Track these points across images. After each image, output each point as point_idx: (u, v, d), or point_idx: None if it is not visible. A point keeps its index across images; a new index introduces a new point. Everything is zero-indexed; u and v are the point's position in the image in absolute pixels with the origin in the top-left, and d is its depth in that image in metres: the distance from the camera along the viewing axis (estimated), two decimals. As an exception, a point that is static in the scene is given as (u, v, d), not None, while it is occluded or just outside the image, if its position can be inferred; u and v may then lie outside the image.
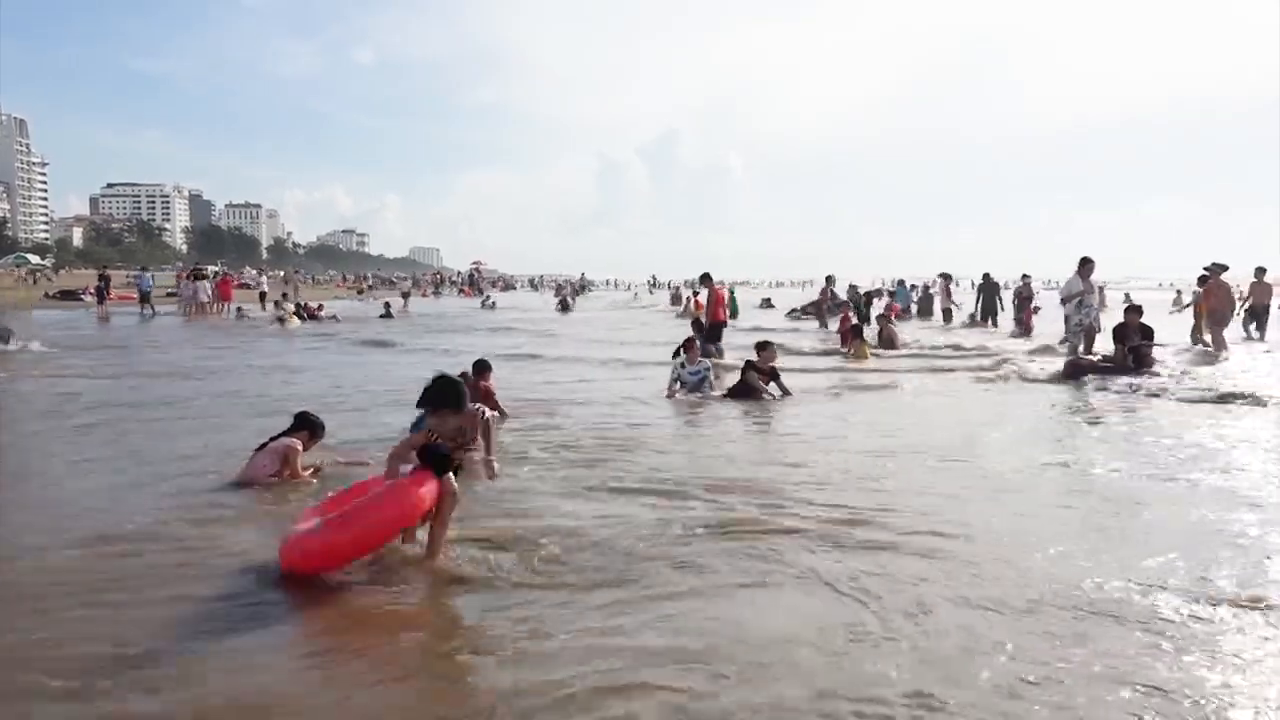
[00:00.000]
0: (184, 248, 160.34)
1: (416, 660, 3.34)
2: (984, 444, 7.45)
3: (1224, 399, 9.52)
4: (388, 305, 32.45)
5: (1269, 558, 4.32)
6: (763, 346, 10.53)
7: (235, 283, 41.28)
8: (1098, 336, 14.47)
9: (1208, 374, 12.12)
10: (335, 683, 3.15)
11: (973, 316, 25.18)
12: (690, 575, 4.11)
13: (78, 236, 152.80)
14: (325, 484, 5.80)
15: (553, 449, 7.08)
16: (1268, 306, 18.42)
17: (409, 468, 4.37)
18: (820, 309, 25.98)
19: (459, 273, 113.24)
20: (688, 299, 32.22)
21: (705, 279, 16.18)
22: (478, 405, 4.58)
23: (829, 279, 26.85)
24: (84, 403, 9.83)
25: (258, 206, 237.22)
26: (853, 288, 27.99)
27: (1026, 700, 2.91)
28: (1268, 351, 15.87)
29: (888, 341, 17.40)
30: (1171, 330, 16.76)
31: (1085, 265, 14.49)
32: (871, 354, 15.80)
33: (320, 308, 29.02)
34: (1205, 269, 16.90)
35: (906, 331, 20.20)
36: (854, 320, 19.04)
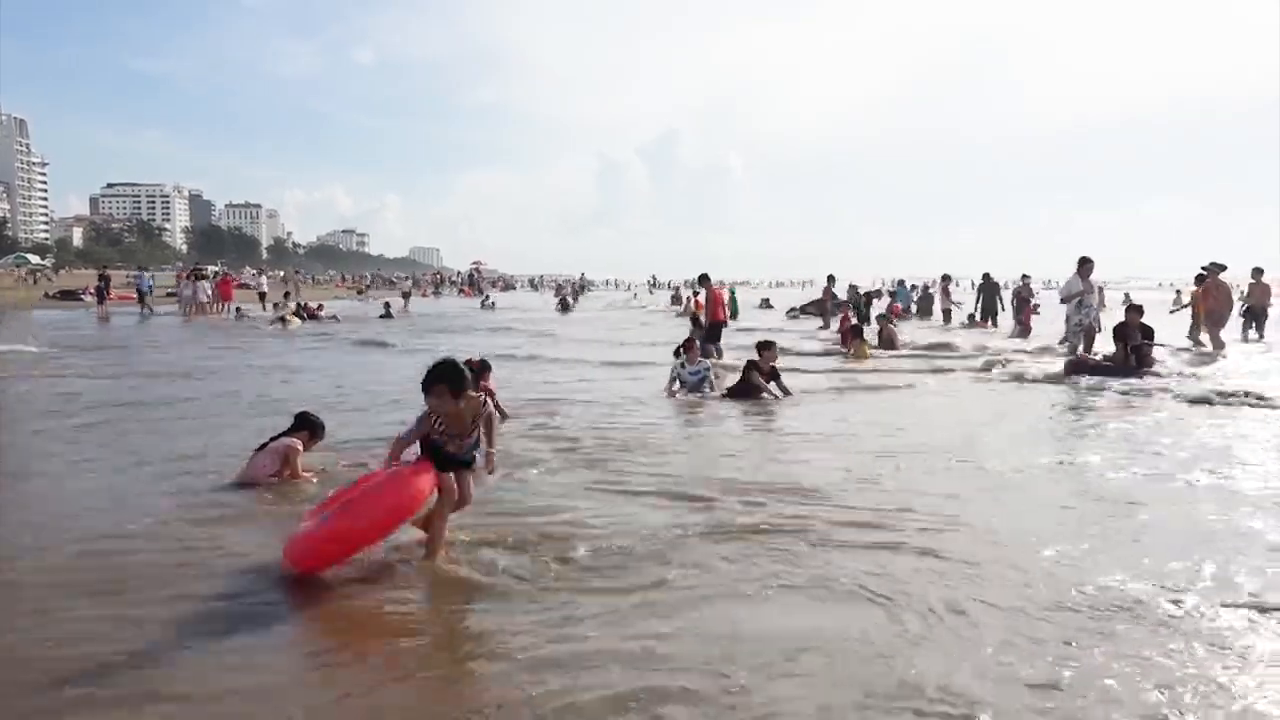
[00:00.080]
0: (184, 248, 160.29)
1: (416, 661, 3.33)
2: (987, 444, 7.45)
3: (1225, 398, 9.51)
4: (388, 305, 32.45)
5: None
6: (764, 346, 10.53)
7: (235, 283, 41.26)
8: (1097, 336, 14.49)
9: (1207, 373, 12.13)
10: (335, 683, 3.15)
11: (971, 317, 25.20)
12: (697, 577, 4.10)
13: (78, 236, 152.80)
14: (327, 485, 5.79)
15: (554, 449, 7.07)
16: (1266, 307, 18.41)
17: (413, 458, 4.34)
18: (824, 307, 26.08)
19: (459, 273, 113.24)
20: (688, 299, 32.23)
21: (703, 280, 16.23)
22: (481, 394, 4.48)
23: (830, 278, 26.96)
24: (84, 402, 9.83)
25: (258, 206, 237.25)
26: (853, 288, 28.00)
27: (1052, 701, 2.90)
28: (1266, 351, 15.86)
29: (888, 341, 17.40)
30: (1171, 330, 16.77)
31: (1085, 265, 14.49)
32: (871, 354, 15.82)
33: (320, 308, 29.02)
34: (1203, 268, 16.91)
35: (906, 331, 20.20)
36: (854, 320, 19.04)
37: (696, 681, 3.05)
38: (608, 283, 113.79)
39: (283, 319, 24.88)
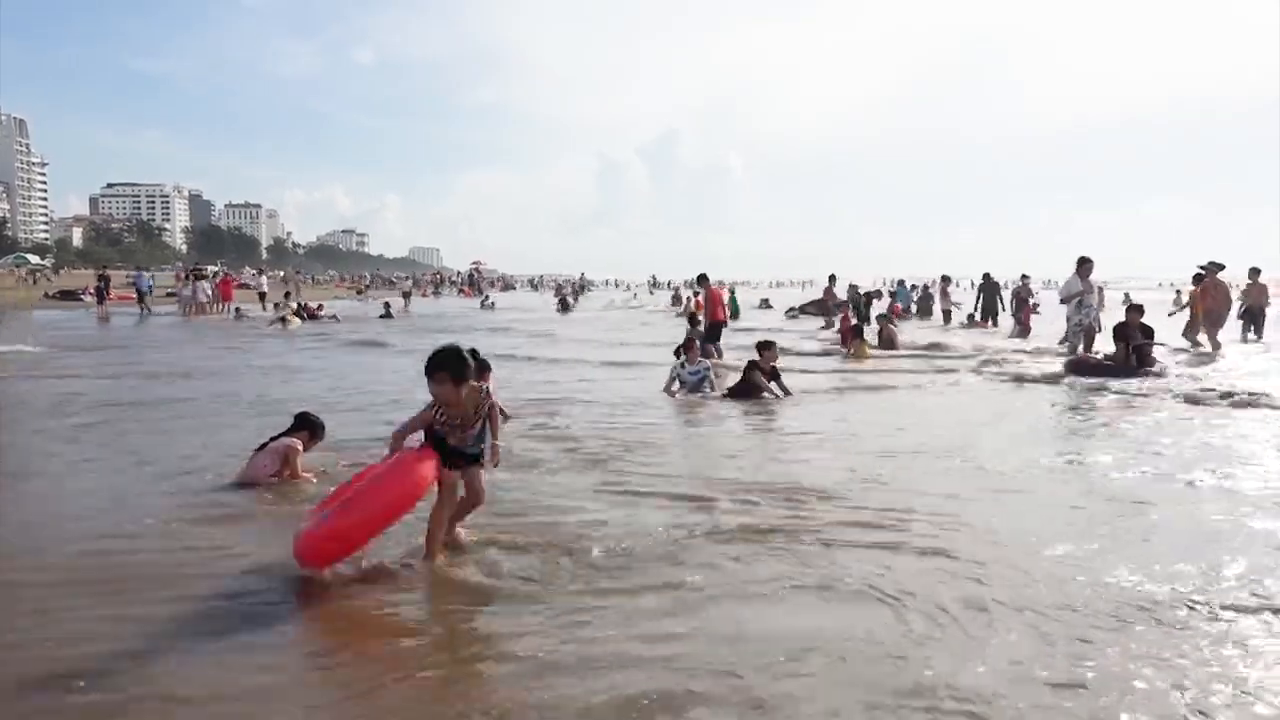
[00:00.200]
0: (184, 248, 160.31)
1: (417, 662, 3.32)
2: (988, 444, 7.44)
3: (1226, 398, 9.50)
4: (388, 305, 32.46)
5: None
6: (765, 346, 10.53)
7: (235, 283, 41.25)
8: (1097, 336, 14.48)
9: (1207, 374, 12.12)
10: (335, 683, 3.14)
11: (970, 316, 25.22)
12: (705, 577, 4.08)
13: (77, 236, 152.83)
14: (327, 485, 5.78)
15: (556, 450, 7.07)
16: (1264, 307, 18.39)
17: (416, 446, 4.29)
18: (826, 306, 26.15)
19: (459, 273, 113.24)
20: (688, 299, 32.27)
21: (702, 280, 16.30)
22: (483, 384, 4.42)
23: (832, 278, 27.15)
24: (84, 403, 9.83)
25: (258, 206, 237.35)
26: (853, 287, 28.01)
27: (1071, 700, 2.90)
28: (1265, 351, 15.85)
29: (888, 342, 17.40)
30: (1170, 331, 16.77)
31: (1084, 265, 14.49)
32: (871, 354, 15.82)
33: (320, 307, 29.04)
34: (1201, 268, 16.90)
35: (906, 332, 20.20)
36: (854, 320, 19.05)
37: (708, 683, 3.03)
38: (608, 283, 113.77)
39: (284, 319, 24.89)
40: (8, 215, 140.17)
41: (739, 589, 3.95)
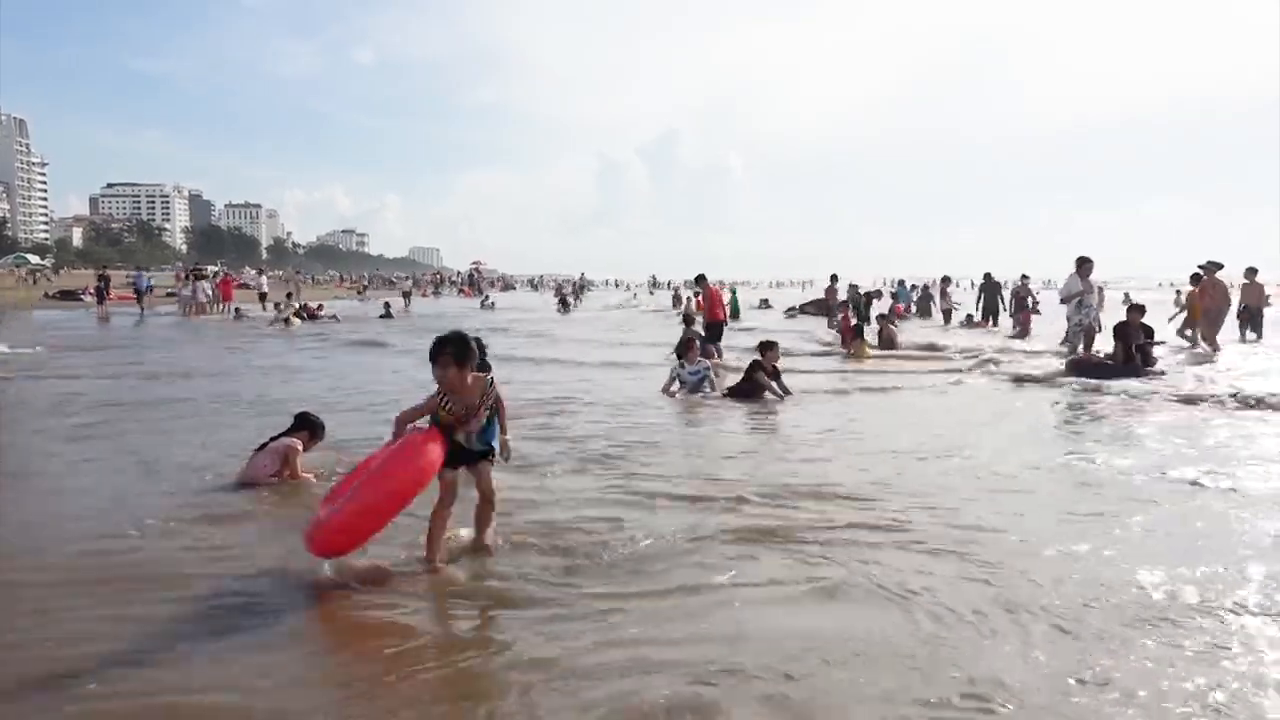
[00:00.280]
0: (184, 248, 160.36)
1: (417, 662, 3.32)
2: (991, 444, 7.43)
3: (1226, 398, 9.50)
4: (388, 305, 32.48)
5: None
6: (767, 346, 10.54)
7: (236, 283, 41.26)
8: (1097, 336, 14.48)
9: (1207, 373, 12.11)
10: (336, 683, 3.14)
11: (970, 317, 25.23)
12: (716, 578, 4.06)
13: (77, 236, 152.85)
14: (326, 485, 5.78)
15: (559, 451, 7.07)
16: (1262, 307, 18.39)
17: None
18: (828, 306, 26.20)
19: (459, 273, 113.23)
20: (688, 300, 32.28)
21: (700, 280, 16.33)
22: (488, 374, 4.36)
23: (834, 278, 27.20)
24: (84, 403, 9.83)
25: (258, 206, 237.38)
26: (853, 287, 28.03)
27: (1085, 704, 2.90)
28: (1265, 351, 15.84)
29: (888, 342, 17.41)
30: (1170, 330, 16.79)
31: (1084, 265, 14.49)
32: (871, 354, 15.82)
33: (320, 308, 29.05)
34: (1200, 267, 16.91)
35: (906, 331, 20.20)
36: (854, 320, 19.06)
37: (728, 685, 3.02)
38: (608, 283, 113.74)
39: (285, 319, 24.90)
40: (8, 215, 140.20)
41: (754, 591, 3.93)
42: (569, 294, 47.70)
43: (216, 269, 52.30)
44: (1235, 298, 17.75)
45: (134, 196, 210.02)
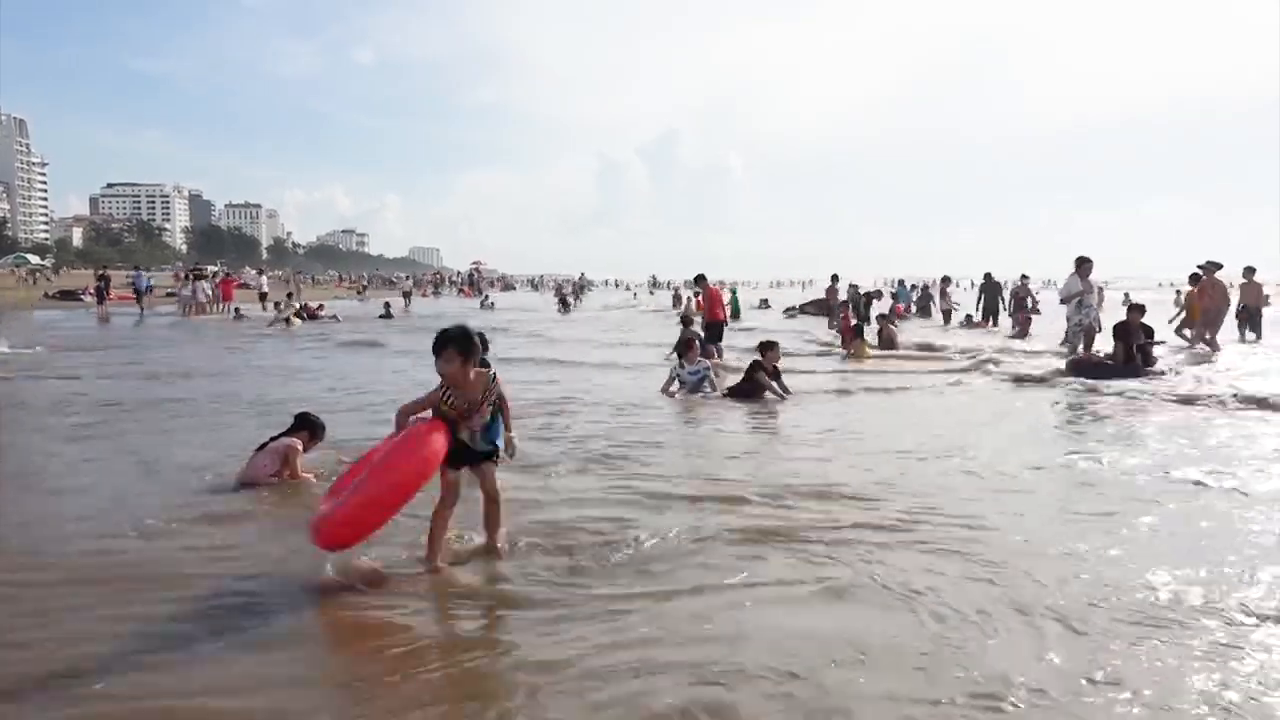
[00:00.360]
0: (184, 248, 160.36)
1: (418, 662, 3.30)
2: (992, 444, 7.41)
3: (1229, 399, 9.49)
4: (388, 305, 32.47)
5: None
6: (768, 346, 10.53)
7: (236, 283, 41.24)
8: (1097, 336, 14.47)
9: (1207, 373, 12.11)
10: (336, 683, 3.13)
11: (969, 317, 25.24)
12: (717, 579, 4.05)
13: (77, 236, 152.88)
14: (327, 486, 5.77)
15: (561, 451, 7.04)
16: (1261, 306, 18.38)
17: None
18: (828, 306, 26.19)
19: (459, 273, 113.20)
20: (688, 300, 32.29)
21: (700, 280, 16.33)
22: (491, 369, 4.34)
23: (834, 278, 27.23)
24: (84, 403, 9.81)
25: (258, 206, 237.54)
26: (853, 287, 28.04)
27: (1096, 703, 2.89)
28: (1264, 351, 15.82)
29: (888, 342, 17.41)
30: (1169, 330, 16.79)
31: (1083, 265, 14.48)
32: (871, 354, 15.81)
33: (320, 308, 29.05)
34: (1199, 267, 16.92)
35: (906, 332, 20.19)
36: (854, 320, 19.05)
37: (733, 685, 3.01)
38: (608, 283, 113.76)
39: (286, 319, 24.90)
40: (8, 215, 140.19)
41: (760, 591, 3.92)
42: (569, 294, 47.70)
43: (216, 269, 52.28)
44: (1234, 298, 17.76)
45: (134, 196, 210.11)
